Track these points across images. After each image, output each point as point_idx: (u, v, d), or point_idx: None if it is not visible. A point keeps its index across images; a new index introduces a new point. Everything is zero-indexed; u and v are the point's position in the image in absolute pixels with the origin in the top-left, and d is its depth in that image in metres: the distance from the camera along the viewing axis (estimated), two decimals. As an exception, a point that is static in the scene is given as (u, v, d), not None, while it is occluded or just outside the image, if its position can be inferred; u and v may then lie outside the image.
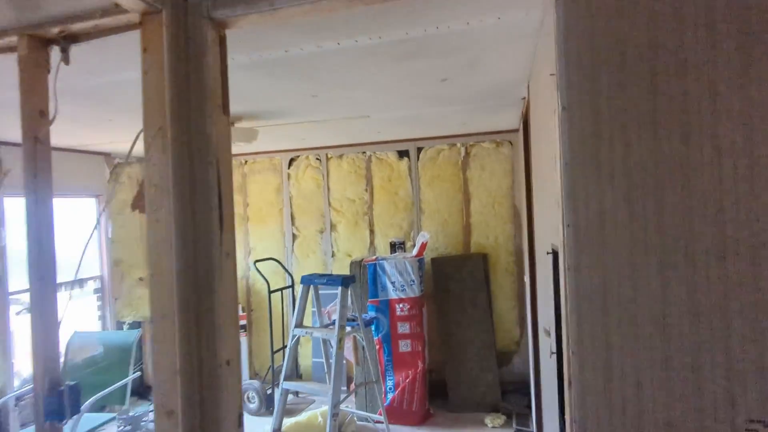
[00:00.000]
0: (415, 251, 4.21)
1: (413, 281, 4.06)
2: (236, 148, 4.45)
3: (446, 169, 4.66)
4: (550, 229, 1.84)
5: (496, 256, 4.57)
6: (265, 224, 5.16)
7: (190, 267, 1.38)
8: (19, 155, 1.62)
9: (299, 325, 3.42)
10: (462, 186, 4.63)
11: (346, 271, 4.35)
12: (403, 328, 4.05)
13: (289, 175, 5.08)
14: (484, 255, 4.52)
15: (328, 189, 4.96)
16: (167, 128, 1.34)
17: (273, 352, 4.57)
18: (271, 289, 4.66)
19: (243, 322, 4.82)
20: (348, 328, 3.49)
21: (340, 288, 3.24)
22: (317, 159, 5.00)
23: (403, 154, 4.77)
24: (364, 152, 4.86)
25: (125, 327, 4.73)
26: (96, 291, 4.52)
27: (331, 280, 3.29)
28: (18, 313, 3.79)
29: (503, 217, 4.55)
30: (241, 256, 5.22)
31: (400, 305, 4.06)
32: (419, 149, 4.73)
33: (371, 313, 3.88)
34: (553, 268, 1.77)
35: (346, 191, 4.92)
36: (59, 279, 1.57)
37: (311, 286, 3.46)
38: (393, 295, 4.07)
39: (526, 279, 3.85)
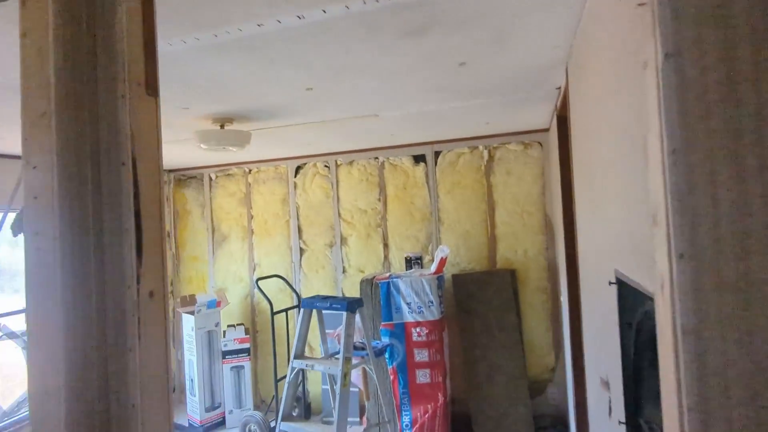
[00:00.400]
0: (433, 267, 3.73)
1: (431, 302, 3.58)
2: (229, 154, 4.05)
3: (467, 175, 4.18)
4: (613, 248, 1.35)
5: (525, 272, 4.05)
6: (271, 237, 4.75)
7: (90, 321, 0.94)
8: None
9: (299, 355, 2.97)
10: (486, 193, 4.14)
11: (358, 290, 3.89)
12: (421, 355, 3.56)
13: (295, 185, 4.68)
14: (512, 271, 4.00)
15: (338, 199, 4.54)
16: (51, 114, 0.91)
17: (276, 380, 4.14)
18: (275, 309, 4.24)
19: (246, 345, 4.40)
20: (356, 359, 3.02)
21: (345, 313, 2.79)
22: (325, 166, 4.58)
23: (419, 159, 4.31)
24: (376, 158, 4.42)
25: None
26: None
27: (335, 303, 2.83)
28: (-4, 340, 3.46)
29: (533, 228, 4.03)
30: (245, 272, 4.83)
31: (417, 329, 3.57)
32: (437, 153, 4.27)
33: (384, 340, 3.40)
34: (619, 304, 1.28)
35: (357, 201, 4.48)
36: None
37: (314, 310, 3.01)
38: (409, 317, 3.59)
39: (564, 299, 3.33)
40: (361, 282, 3.78)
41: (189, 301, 4.47)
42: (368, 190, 4.45)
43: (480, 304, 3.91)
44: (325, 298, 2.96)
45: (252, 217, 4.82)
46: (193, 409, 4.38)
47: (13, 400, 3.55)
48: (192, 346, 4.34)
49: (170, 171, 5.07)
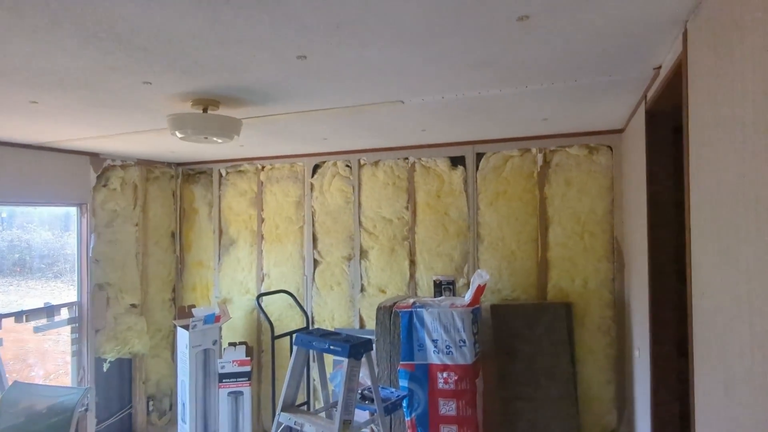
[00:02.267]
0: (468, 297, 3.00)
1: (464, 341, 2.85)
2: (215, 147, 3.45)
3: (516, 183, 3.42)
4: None
5: (584, 307, 3.24)
6: (282, 245, 4.15)
7: None
8: None
9: (289, 406, 2.32)
10: (538, 207, 3.36)
11: (374, 316, 3.21)
12: (447, 407, 2.84)
13: (312, 186, 4.05)
14: (568, 305, 3.21)
15: (359, 205, 3.87)
16: None
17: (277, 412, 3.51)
18: (280, 331, 3.63)
19: (246, 368, 3.82)
20: (362, 414, 2.34)
21: (346, 360, 2.11)
22: (347, 166, 3.93)
23: (456, 161, 3.58)
24: (405, 158, 3.73)
25: (106, 365, 3.87)
26: (71, 321, 3.71)
27: (335, 344, 2.16)
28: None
29: (596, 253, 3.22)
30: (252, 283, 4.25)
31: (444, 374, 2.85)
32: (479, 155, 3.52)
33: (402, 385, 2.69)
34: None
35: (381, 208, 3.80)
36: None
37: (310, 351, 2.35)
38: (434, 358, 2.88)
39: (637, 353, 2.52)
40: (378, 309, 3.09)
41: (186, 312, 3.93)
42: (395, 196, 3.76)
43: (525, 344, 3.14)
44: (325, 334, 2.30)
45: (263, 220, 4.24)
46: (184, 437, 3.84)
47: None
48: (185, 365, 3.79)
49: (178, 164, 4.57)
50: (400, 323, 2.97)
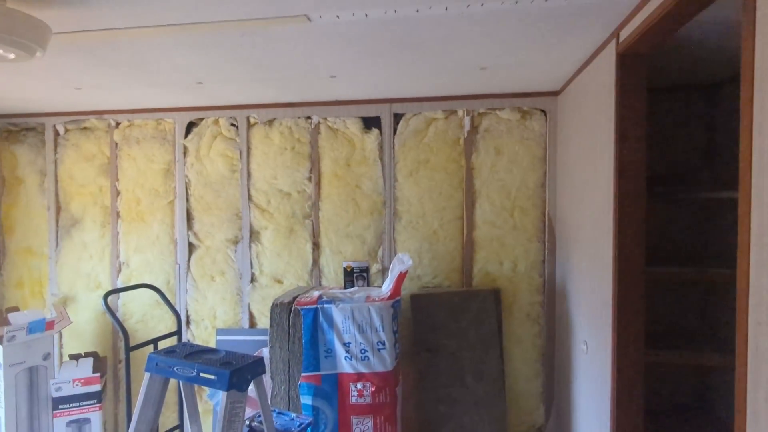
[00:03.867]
0: (387, 287, 2.44)
1: (383, 343, 2.29)
2: (44, 92, 2.34)
3: (440, 151, 2.91)
4: None
5: (513, 293, 2.87)
6: (146, 225, 3.22)
7: None
8: None
9: (137, 463, 1.55)
10: (464, 179, 2.89)
11: (267, 313, 2.51)
12: (362, 427, 2.27)
13: (186, 149, 3.16)
14: (496, 291, 2.80)
15: (249, 174, 3.09)
16: None
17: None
18: (138, 340, 2.75)
19: (95, 387, 2.88)
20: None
21: (224, 395, 1.41)
22: (232, 125, 3.11)
23: (370, 123, 2.97)
24: (308, 117, 3.02)
25: None
26: None
27: (207, 371, 1.45)
28: None
29: (527, 231, 2.85)
30: (104, 274, 3.26)
31: (358, 386, 2.27)
32: (397, 117, 2.95)
33: (301, 416, 2.04)
34: None
35: (276, 179, 3.07)
36: None
37: (167, 378, 1.59)
38: (346, 366, 2.28)
39: (584, 347, 2.17)
40: (273, 307, 2.40)
41: (3, 318, 2.86)
42: (294, 164, 3.04)
43: (449, 338, 2.68)
44: (193, 353, 1.56)
45: (118, 193, 3.25)
46: (0, 488, 2.81)
47: None
48: (1, 391, 2.75)
49: (-7, 117, 3.34)
50: (301, 324, 2.31)
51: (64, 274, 3.30)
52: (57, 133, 3.30)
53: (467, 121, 2.87)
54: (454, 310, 2.70)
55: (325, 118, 2.99)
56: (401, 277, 2.40)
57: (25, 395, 2.82)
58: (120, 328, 2.58)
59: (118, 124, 3.22)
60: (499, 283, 2.86)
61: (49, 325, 2.89)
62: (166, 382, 1.63)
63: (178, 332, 2.97)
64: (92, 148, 3.27)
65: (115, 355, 3.26)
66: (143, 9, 1.51)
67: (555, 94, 2.77)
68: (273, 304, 2.39)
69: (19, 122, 3.34)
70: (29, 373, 2.83)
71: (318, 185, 3.02)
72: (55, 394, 2.83)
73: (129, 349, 2.62)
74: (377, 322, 2.28)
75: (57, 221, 3.30)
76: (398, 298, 2.40)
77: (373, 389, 2.26)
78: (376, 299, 2.34)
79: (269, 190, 3.08)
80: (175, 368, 1.52)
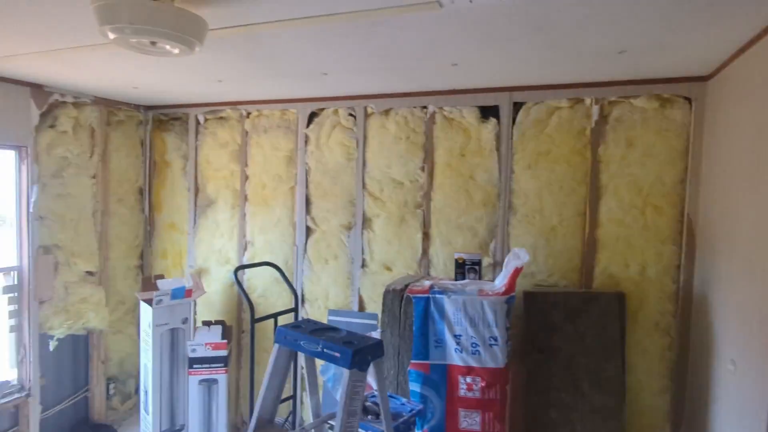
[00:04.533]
0: (501, 281, 2.36)
1: (495, 339, 2.23)
2: (190, 86, 2.59)
3: (562, 142, 2.73)
4: None
5: (639, 299, 2.62)
6: (270, 208, 3.47)
7: None
8: None
9: (265, 424, 1.69)
10: (588, 172, 2.69)
11: (380, 300, 2.58)
12: (470, 420, 2.24)
13: (307, 138, 3.34)
14: (620, 295, 2.58)
15: (364, 163, 3.18)
16: None
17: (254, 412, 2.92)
18: (262, 313, 2.99)
19: (222, 352, 3.20)
20: (364, 437, 1.73)
21: (347, 372, 1.47)
22: (350, 115, 3.21)
23: (488, 112, 2.88)
24: (424, 107, 3.02)
25: (53, 343, 3.24)
26: (8, 289, 3.04)
27: (330, 346, 1.52)
28: None
29: (661, 233, 2.57)
30: (232, 251, 3.59)
31: (468, 380, 2.24)
32: (517, 105, 2.82)
33: (412, 402, 2.06)
34: None
35: (390, 168, 3.12)
36: None
37: (292, 351, 1.70)
38: (456, 358, 2.26)
39: (732, 367, 1.91)
40: (386, 293, 2.45)
41: (151, 284, 3.29)
42: (408, 154, 3.07)
43: (565, 340, 2.53)
44: (317, 330, 1.66)
45: (247, 178, 3.54)
46: (146, 430, 3.25)
47: None
48: (148, 347, 3.17)
49: (148, 108, 3.82)
50: (412, 311, 2.33)
51: (199, 248, 3.70)
52: (198, 122, 3.68)
53: (596, 110, 2.66)
54: (571, 311, 2.54)
55: (441, 108, 2.97)
56: (516, 272, 2.31)
57: (168, 353, 3.21)
58: (247, 301, 2.82)
59: (249, 113, 3.50)
60: (623, 287, 2.63)
61: (188, 293, 3.26)
62: (292, 355, 1.75)
63: (295, 309, 3.17)
64: (226, 136, 3.59)
65: (239, 325, 3.58)
66: (287, 3, 1.60)
67: (704, 79, 2.45)
68: (385, 290, 2.44)
69: (168, 112, 3.79)
70: (171, 334, 3.23)
71: (431, 175, 3.01)
72: (191, 355, 3.18)
73: (254, 320, 2.85)
74: (490, 317, 2.23)
75: (196, 201, 3.70)
76: (513, 294, 2.32)
77: (483, 384, 2.22)
78: (490, 293, 2.28)
79: (383, 179, 3.14)
80: (301, 342, 1.62)
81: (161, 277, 3.46)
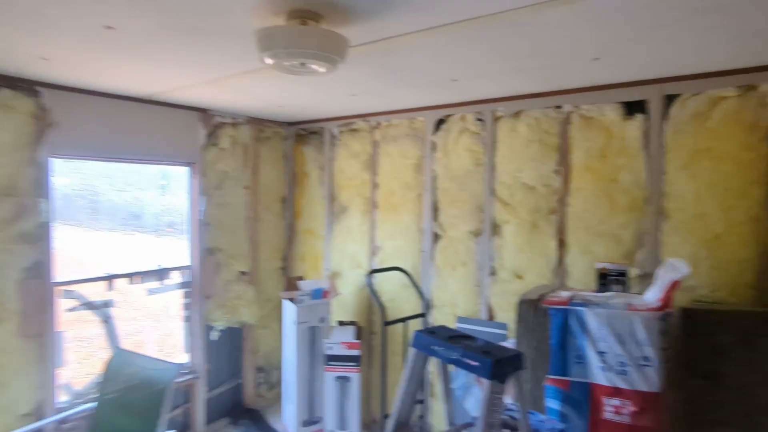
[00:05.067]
0: (654, 297, 2.12)
1: (647, 359, 2.00)
2: (326, 102, 2.79)
3: (729, 137, 2.37)
4: None
5: (841, 324, 2.14)
6: (398, 215, 3.58)
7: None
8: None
9: (401, 427, 1.73)
10: (764, 171, 2.29)
11: (510, 310, 2.49)
12: (617, 447, 2.04)
13: (434, 145, 3.38)
14: (813, 317, 2.14)
15: (493, 167, 3.11)
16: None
17: (392, 414, 3.02)
18: (393, 316, 3.08)
19: (355, 352, 3.37)
20: (500, 451, 1.67)
21: (486, 383, 1.44)
22: (478, 120, 3.17)
23: (633, 108, 2.62)
24: (558, 107, 2.86)
25: (216, 333, 3.71)
26: (183, 285, 3.58)
27: (468, 355, 1.51)
28: (72, 309, 2.98)
29: None
30: (363, 256, 3.77)
31: (615, 402, 2.05)
32: (668, 99, 2.52)
33: (552, 420, 1.95)
34: None
35: (521, 172, 3.00)
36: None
37: (429, 356, 1.72)
38: (600, 377, 2.08)
39: None
40: (521, 303, 2.36)
41: (293, 284, 3.59)
42: (540, 157, 2.92)
43: (736, 367, 2.17)
44: (453, 337, 1.65)
45: (377, 185, 3.70)
46: (289, 418, 3.56)
47: (90, 380, 3.06)
48: (292, 342, 3.47)
49: (290, 124, 4.21)
50: (550, 324, 2.20)
51: (334, 253, 3.95)
52: (332, 135, 3.94)
53: (775, 97, 2.25)
54: (745, 333, 2.17)
55: (578, 106, 2.78)
56: (674, 286, 2.05)
57: (308, 349, 3.48)
58: (379, 304, 2.94)
59: (378, 124, 3.66)
60: (817, 308, 2.18)
61: (325, 294, 3.50)
62: (427, 359, 1.77)
63: (424, 314, 3.21)
64: (358, 147, 3.80)
65: (370, 327, 3.74)
66: (426, 13, 1.64)
67: None
68: (520, 300, 2.35)
69: (307, 127, 4.12)
70: (311, 332, 3.49)
71: (566, 179, 2.83)
72: (328, 352, 3.40)
73: (385, 323, 2.95)
74: (641, 335, 2.01)
75: (331, 209, 3.96)
76: (669, 310, 2.06)
77: (633, 409, 2.00)
78: (641, 308, 2.06)
79: (513, 184, 3.03)
80: (437, 348, 1.63)
81: (301, 278, 3.76)
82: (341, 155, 3.90)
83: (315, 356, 3.51)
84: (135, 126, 3.14)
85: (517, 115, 3.01)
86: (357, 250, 3.82)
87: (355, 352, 3.39)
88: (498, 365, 1.43)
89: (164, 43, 1.98)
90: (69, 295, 2.92)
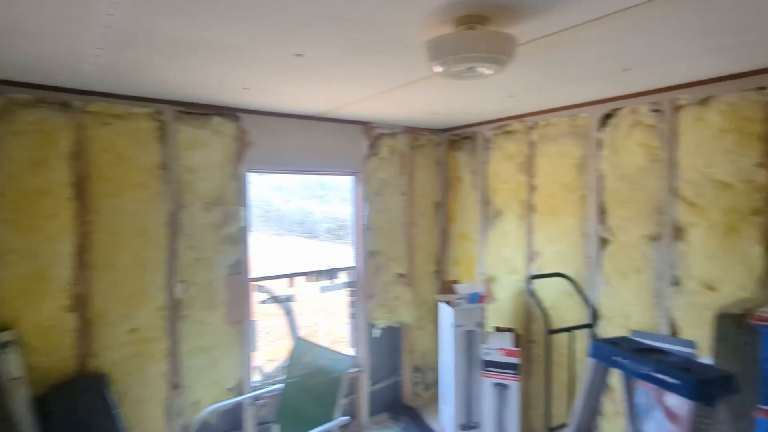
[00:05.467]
0: None
1: None
2: (481, 106, 2.75)
3: None
4: None
5: None
6: (558, 218, 3.39)
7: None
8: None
9: (580, 442, 1.63)
10: None
11: (700, 326, 2.16)
12: None
13: (599, 142, 3.13)
14: None
15: (674, 163, 2.76)
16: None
17: (550, 430, 2.86)
18: (556, 325, 2.92)
19: (514, 359, 3.27)
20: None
21: (691, 405, 1.28)
22: (654, 111, 2.85)
23: None
24: (761, 88, 2.42)
25: (377, 331, 3.95)
26: (349, 285, 3.89)
27: (667, 373, 1.36)
28: (262, 302, 3.45)
29: None
30: (520, 261, 3.65)
31: None
32: None
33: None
34: None
35: (711, 167, 2.61)
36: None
37: (610, 369, 1.59)
38: (837, 414, 1.69)
39: None
40: (719, 318, 2.04)
41: (449, 288, 3.65)
42: (738, 148, 2.50)
43: None
44: (640, 350, 1.50)
45: (534, 188, 3.56)
46: (446, 420, 3.60)
47: (277, 365, 3.52)
48: (448, 345, 3.52)
49: (443, 131, 4.30)
50: (760, 344, 1.86)
51: (488, 257, 3.90)
52: (485, 139, 3.92)
53: None
54: None
55: (792, 85, 2.31)
56: None
57: (465, 353, 3.49)
58: (542, 311, 2.82)
59: (535, 125, 3.52)
60: None
61: (481, 299, 3.48)
62: (606, 372, 1.64)
63: (591, 324, 2.99)
64: (512, 149, 3.70)
65: (528, 335, 3.60)
66: (598, 2, 1.55)
67: None
68: (719, 314, 2.04)
69: (460, 133, 4.17)
70: (467, 336, 3.50)
71: (776, 172, 2.37)
72: (485, 358, 3.37)
73: (549, 332, 2.82)
74: None
75: (485, 213, 3.93)
76: None
77: None
78: None
79: (700, 181, 2.65)
80: (622, 361, 1.50)
81: (456, 282, 3.80)
82: (495, 158, 3.85)
83: (472, 360, 3.50)
84: (310, 141, 3.54)
85: (704, 102, 2.63)
86: (513, 254, 3.72)
87: (513, 360, 3.30)
88: (704, 385, 1.26)
89: (343, 64, 2.20)
90: (260, 289, 3.39)
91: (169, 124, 2.94)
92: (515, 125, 3.67)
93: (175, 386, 2.98)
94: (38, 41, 1.85)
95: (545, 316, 2.84)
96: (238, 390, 3.23)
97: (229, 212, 3.14)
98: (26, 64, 2.17)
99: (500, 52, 1.67)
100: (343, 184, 3.98)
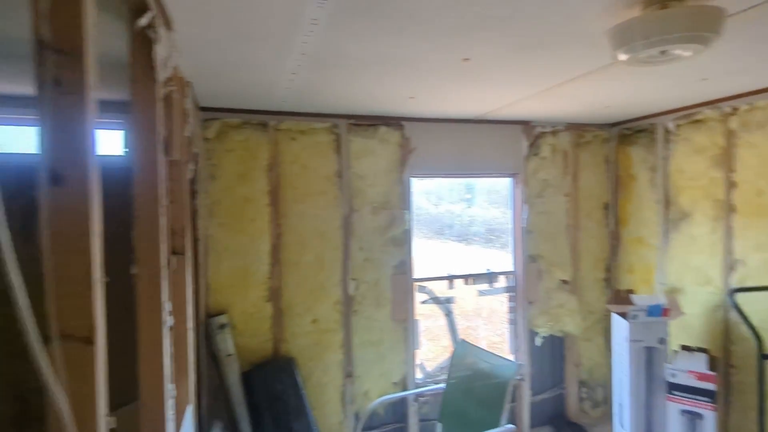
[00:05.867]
0: None
1: None
2: (661, 94, 2.36)
3: None
4: None
5: None
6: (767, 219, 2.83)
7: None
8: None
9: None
10: None
11: None
12: None
13: (832, 126, 2.53)
14: None
15: None
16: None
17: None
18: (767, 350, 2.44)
19: (710, 385, 2.82)
20: None
21: None
22: None
23: None
24: None
25: (539, 340, 3.77)
26: (508, 289, 3.78)
27: None
28: (423, 302, 3.56)
29: None
30: (715, 271, 3.14)
31: None
32: None
33: None
34: None
35: None
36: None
37: None
38: None
39: None
40: None
41: (623, 298, 3.30)
42: None
43: None
44: None
45: (733, 185, 3.03)
46: (622, 444, 3.26)
47: (436, 364, 3.59)
48: (623, 361, 3.19)
49: (612, 125, 3.93)
50: None
51: (671, 265, 3.44)
52: (666, 131, 3.46)
53: None
54: None
55: None
56: None
57: (643, 372, 3.12)
58: (753, 332, 2.38)
59: (735, 110, 3.00)
60: None
61: (665, 312, 3.07)
62: None
63: (822, 351, 2.42)
64: (703, 140, 3.21)
65: (727, 358, 3.07)
66: None
67: None
68: None
69: (633, 126, 3.76)
70: (647, 353, 3.12)
71: None
72: (670, 379, 2.97)
73: (763, 356, 2.36)
74: None
75: (666, 215, 3.47)
76: None
77: None
78: None
79: None
80: None
81: (631, 292, 3.42)
82: (680, 152, 3.38)
83: (653, 381, 3.11)
84: (469, 144, 3.55)
85: None
86: (704, 263, 3.21)
87: (709, 386, 2.84)
88: None
89: (510, 63, 2.16)
90: (422, 290, 3.51)
91: (343, 136, 3.24)
92: (706, 113, 3.17)
93: (348, 375, 3.25)
94: (253, 72, 2.20)
95: (758, 338, 2.37)
96: (403, 385, 3.38)
97: (395, 215, 3.32)
98: (236, 92, 2.60)
99: (704, 29, 1.46)
100: (493, 187, 3.90)
